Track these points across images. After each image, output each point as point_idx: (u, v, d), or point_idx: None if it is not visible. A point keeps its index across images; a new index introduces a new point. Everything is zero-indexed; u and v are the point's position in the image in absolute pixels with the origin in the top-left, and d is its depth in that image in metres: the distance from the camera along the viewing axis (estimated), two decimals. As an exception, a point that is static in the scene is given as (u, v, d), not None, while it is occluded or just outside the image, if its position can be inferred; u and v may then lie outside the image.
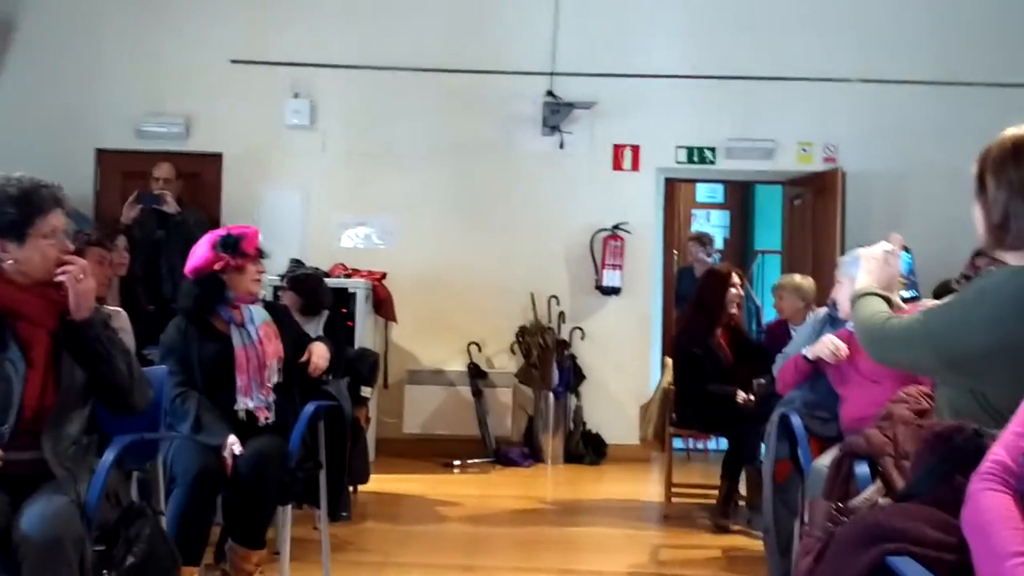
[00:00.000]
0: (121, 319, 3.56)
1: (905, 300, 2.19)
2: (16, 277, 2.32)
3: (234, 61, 6.84)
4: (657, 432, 5.22)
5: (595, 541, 4.71)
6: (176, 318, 3.35)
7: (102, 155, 6.91)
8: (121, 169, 6.82)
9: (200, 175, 6.85)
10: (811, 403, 3.46)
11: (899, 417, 2.08)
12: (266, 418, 3.23)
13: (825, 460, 2.87)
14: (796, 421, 3.18)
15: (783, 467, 3.44)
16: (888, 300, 2.06)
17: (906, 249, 2.23)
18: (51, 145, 6.62)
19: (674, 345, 5.34)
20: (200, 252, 3.33)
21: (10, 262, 2.30)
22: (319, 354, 3.45)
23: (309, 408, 3.27)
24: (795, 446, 3.28)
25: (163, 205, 5.87)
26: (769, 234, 9.19)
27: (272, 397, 3.27)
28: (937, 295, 5.01)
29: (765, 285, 9.61)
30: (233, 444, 3.04)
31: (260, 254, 3.42)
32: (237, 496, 3.03)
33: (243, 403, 3.21)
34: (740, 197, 10.35)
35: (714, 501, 5.09)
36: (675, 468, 5.32)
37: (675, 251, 9.04)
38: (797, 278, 5.24)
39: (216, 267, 3.28)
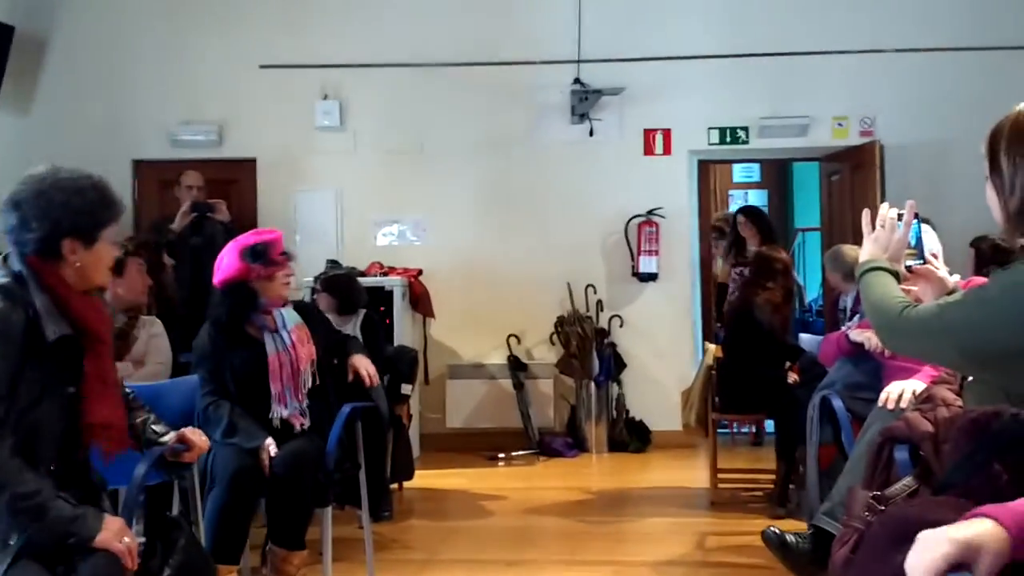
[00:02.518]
0: (156, 326, 3.62)
1: (909, 268, 2.09)
2: (73, 282, 2.13)
3: (263, 66, 6.88)
4: (700, 418, 5.16)
5: (641, 531, 4.67)
6: (207, 326, 3.35)
7: (139, 165, 7.01)
8: (158, 178, 6.89)
9: (235, 181, 6.92)
10: (854, 384, 3.39)
11: (940, 399, 2.01)
12: (301, 424, 3.23)
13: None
14: (838, 404, 3.12)
15: (827, 452, 3.38)
16: (896, 275, 1.98)
17: (918, 218, 2.12)
18: (88, 158, 6.53)
19: (734, 316, 5.25)
20: (228, 262, 3.31)
21: (77, 265, 2.12)
22: (364, 366, 3.43)
23: (345, 410, 3.28)
24: (839, 430, 3.22)
25: (217, 213, 5.89)
26: (809, 212, 9.05)
27: (306, 403, 3.27)
28: (977, 248, 4.89)
29: (806, 264, 9.48)
30: (270, 445, 3.06)
31: (287, 257, 3.40)
32: (274, 497, 3.05)
33: (278, 411, 3.20)
34: (777, 176, 10.20)
35: (761, 486, 5.03)
36: (720, 453, 5.25)
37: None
38: (843, 249, 5.02)
39: (248, 277, 3.26)
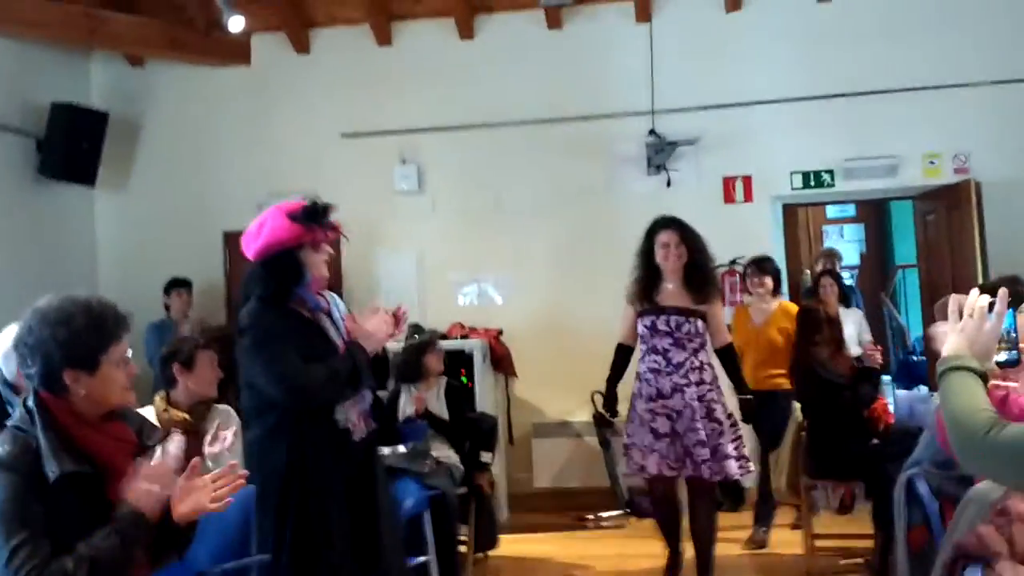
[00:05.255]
0: (232, 420, 3.60)
1: (1001, 364, 1.86)
2: (84, 411, 2.10)
3: (344, 135, 7.05)
4: (791, 482, 4.94)
5: (732, 603, 4.48)
6: (252, 303, 2.82)
7: (229, 237, 7.25)
8: (248, 249, 7.09)
9: (320, 247, 7.06)
10: (943, 462, 3.16)
11: (1017, 514, 1.85)
12: (367, 431, 2.78)
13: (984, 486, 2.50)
14: (923, 489, 2.92)
15: (918, 534, 3.16)
16: (984, 376, 1.75)
17: (1012, 304, 1.89)
18: (181, 233, 7.02)
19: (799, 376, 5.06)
20: (272, 226, 2.76)
21: (83, 394, 2.08)
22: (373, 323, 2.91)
23: (409, 502, 3.20)
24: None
25: None
26: (908, 247, 8.66)
27: (370, 400, 2.82)
28: None
29: (909, 302, 9.05)
30: None
31: (334, 229, 2.90)
32: None
33: (343, 414, 2.74)
34: (874, 209, 9.82)
35: (863, 556, 4.76)
36: (818, 517, 5.00)
37: (807, 271, 8.67)
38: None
39: (298, 242, 2.75)
